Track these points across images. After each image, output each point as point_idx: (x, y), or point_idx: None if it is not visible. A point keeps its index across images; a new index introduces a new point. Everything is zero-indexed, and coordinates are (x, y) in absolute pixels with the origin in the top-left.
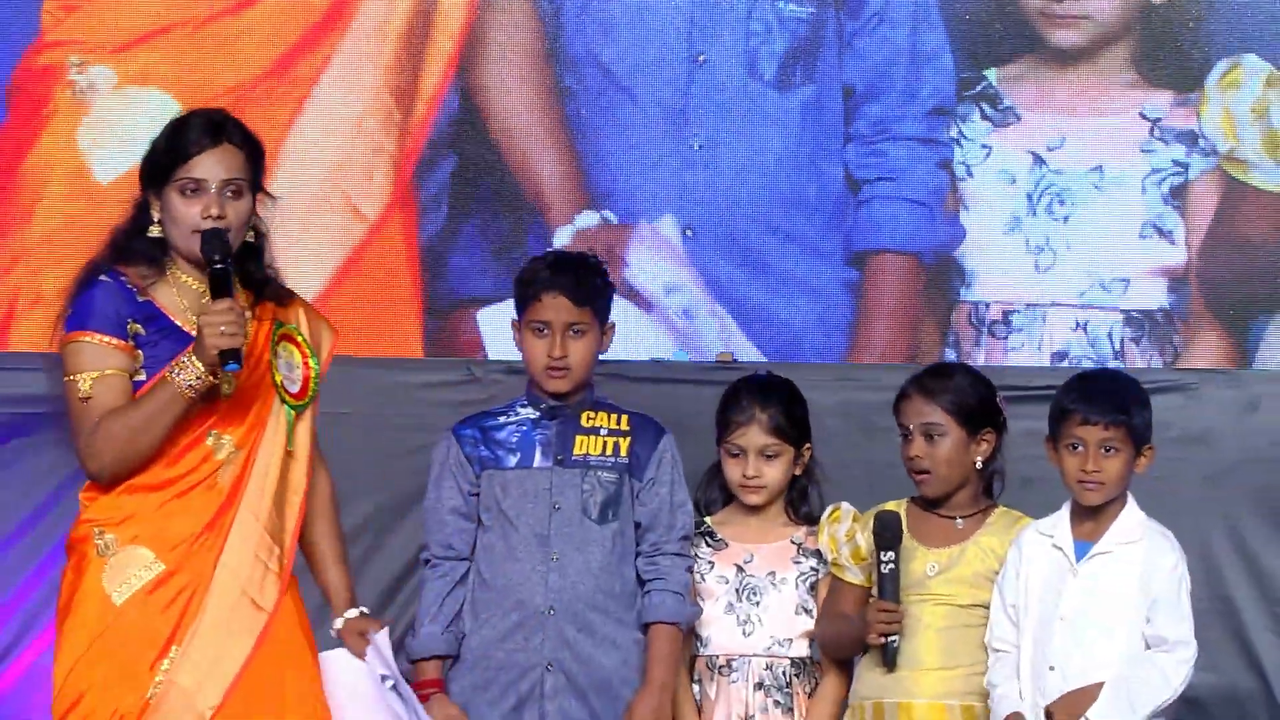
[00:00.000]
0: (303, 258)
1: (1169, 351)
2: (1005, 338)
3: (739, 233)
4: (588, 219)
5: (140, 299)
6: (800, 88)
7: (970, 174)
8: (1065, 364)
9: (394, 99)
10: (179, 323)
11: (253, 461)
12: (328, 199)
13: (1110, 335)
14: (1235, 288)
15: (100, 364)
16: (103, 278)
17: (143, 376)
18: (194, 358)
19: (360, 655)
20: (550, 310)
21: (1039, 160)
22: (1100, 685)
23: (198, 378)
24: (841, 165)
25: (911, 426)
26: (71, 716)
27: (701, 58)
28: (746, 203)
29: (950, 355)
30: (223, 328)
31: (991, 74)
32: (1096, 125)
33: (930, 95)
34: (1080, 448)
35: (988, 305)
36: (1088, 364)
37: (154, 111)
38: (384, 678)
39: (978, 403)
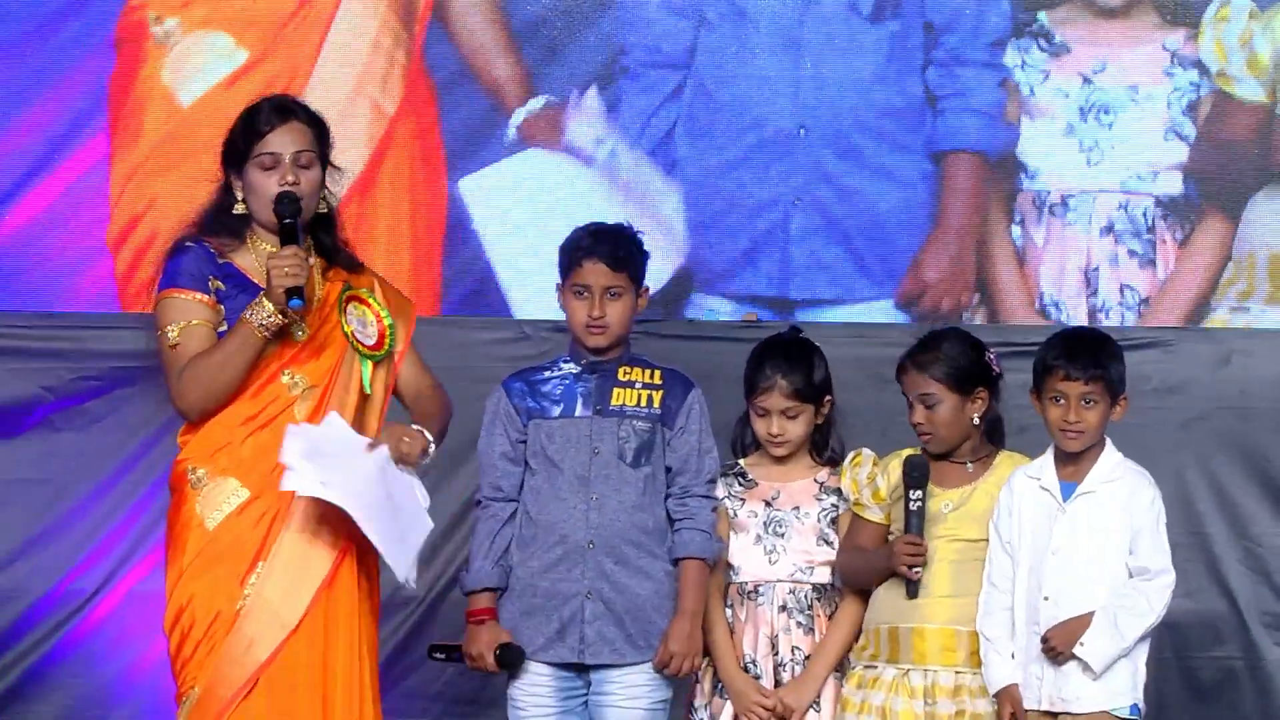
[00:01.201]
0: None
1: (1186, 227)
2: (1063, 215)
3: (841, 132)
4: (534, 104)
5: (221, 261)
6: (890, 22)
7: (1033, 93)
8: (1110, 236)
9: (398, 19)
10: (256, 281)
11: (328, 398)
12: (354, 104)
13: (1145, 214)
14: (1227, 175)
15: (186, 316)
16: (188, 244)
17: (224, 328)
18: (265, 299)
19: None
20: (590, 275)
21: (1087, 80)
22: (1091, 615)
23: (269, 316)
24: (922, 84)
25: (911, 397)
26: (181, 620)
27: None
28: (847, 111)
29: (1016, 231)
30: (286, 268)
31: (1043, 16)
32: (1130, 55)
33: (992, 31)
34: (1062, 400)
35: (1049, 192)
36: (1129, 237)
37: (214, 48)
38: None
39: (967, 365)
